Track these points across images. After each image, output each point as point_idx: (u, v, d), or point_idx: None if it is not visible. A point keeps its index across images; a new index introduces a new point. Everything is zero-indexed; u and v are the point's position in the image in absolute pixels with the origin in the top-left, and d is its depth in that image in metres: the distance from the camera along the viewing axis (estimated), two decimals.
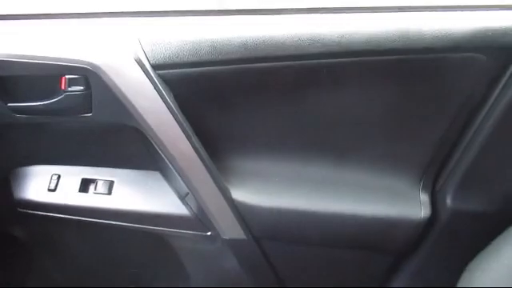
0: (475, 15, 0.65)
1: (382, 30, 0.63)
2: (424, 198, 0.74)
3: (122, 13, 0.68)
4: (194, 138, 0.67)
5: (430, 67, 0.65)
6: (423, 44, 0.63)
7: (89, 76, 0.62)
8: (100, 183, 0.74)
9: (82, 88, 0.63)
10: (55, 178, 0.74)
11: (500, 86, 0.65)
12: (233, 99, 0.68)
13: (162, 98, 0.62)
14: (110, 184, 0.74)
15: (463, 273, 0.67)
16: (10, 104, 0.65)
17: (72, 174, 0.75)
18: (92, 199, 0.74)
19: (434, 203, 0.75)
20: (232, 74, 0.64)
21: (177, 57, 0.62)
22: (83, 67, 0.61)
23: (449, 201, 0.74)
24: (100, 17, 0.67)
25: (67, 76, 0.62)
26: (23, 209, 0.73)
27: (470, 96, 0.66)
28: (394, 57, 0.64)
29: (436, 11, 0.66)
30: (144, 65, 0.61)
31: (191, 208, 0.73)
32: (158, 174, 0.76)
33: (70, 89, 0.63)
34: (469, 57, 0.63)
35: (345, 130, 0.71)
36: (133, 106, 0.62)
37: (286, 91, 0.68)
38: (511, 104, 0.64)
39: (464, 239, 0.74)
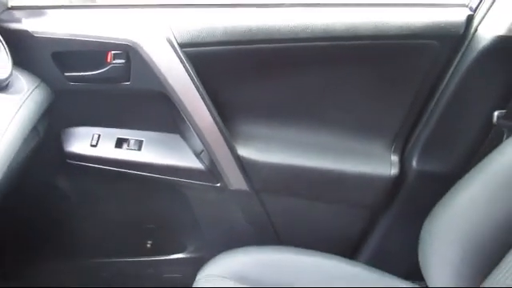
0: (431, 11, 0.83)
1: (358, 21, 0.81)
2: (394, 159, 0.91)
3: (158, 5, 0.86)
4: (210, 105, 0.84)
5: (396, 50, 0.83)
6: (390, 32, 0.80)
7: (129, 51, 0.80)
8: (132, 141, 0.92)
9: (123, 61, 0.81)
10: (96, 136, 0.92)
11: (452, 66, 0.82)
12: (240, 73, 0.86)
13: (185, 70, 0.80)
14: (140, 142, 0.92)
15: (424, 221, 0.83)
16: (66, 73, 0.83)
17: (109, 134, 0.92)
18: (125, 154, 0.91)
19: (403, 164, 0.92)
20: (239, 53, 0.82)
21: (198, 38, 0.80)
22: (126, 44, 0.79)
23: (414, 163, 0.91)
24: (141, 7, 0.86)
25: (112, 51, 0.81)
26: (70, 160, 0.91)
27: (429, 74, 0.84)
28: (368, 42, 0.81)
29: (401, 7, 0.84)
30: (173, 44, 0.79)
31: (204, 163, 0.91)
32: (178, 137, 0.94)
33: (114, 61, 0.81)
34: (426, 43, 0.81)
35: (329, 102, 0.89)
36: (163, 75, 0.80)
37: (282, 68, 0.85)
38: (462, 81, 0.82)
39: (427, 196, 0.90)
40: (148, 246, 1.11)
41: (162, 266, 1.08)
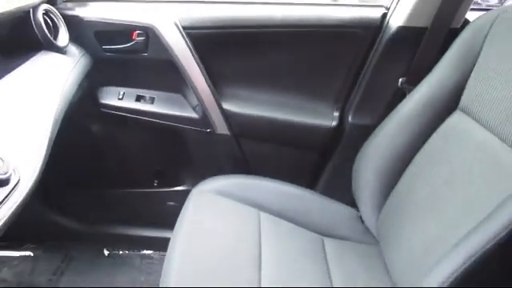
0: (359, 9, 1.19)
1: (308, 14, 1.16)
2: (335, 115, 1.27)
3: (168, 0, 1.23)
4: (204, 72, 1.20)
5: (333, 36, 1.19)
6: (330, 23, 1.16)
7: (148, 31, 1.15)
8: (147, 97, 1.28)
9: (143, 38, 1.17)
10: (122, 93, 1.28)
11: (373, 48, 1.18)
12: (226, 50, 1.21)
13: (187, 46, 1.16)
14: (153, 99, 1.28)
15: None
16: (103, 46, 1.19)
17: (131, 92, 1.29)
18: (142, 106, 1.28)
19: (341, 119, 1.27)
20: (225, 35, 1.18)
21: (196, 23, 1.16)
22: (146, 26, 1.15)
23: (350, 117, 1.26)
24: (156, 2, 1.22)
25: (136, 31, 1.16)
26: (103, 108, 1.27)
27: (357, 53, 1.19)
28: (314, 29, 1.17)
29: (338, 6, 1.19)
30: (178, 27, 1.15)
31: (199, 114, 1.27)
32: (180, 95, 1.30)
33: (137, 38, 1.17)
34: (355, 31, 1.17)
35: (288, 72, 1.25)
36: (171, 49, 1.16)
37: (256, 47, 1.21)
38: (379, 58, 1.17)
39: (360, 141, 1.23)
40: (155, 184, 1.47)
41: (165, 197, 1.43)
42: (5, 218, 0.61)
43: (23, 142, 0.72)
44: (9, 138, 0.70)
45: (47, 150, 0.77)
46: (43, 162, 0.74)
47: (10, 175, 0.64)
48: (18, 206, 0.64)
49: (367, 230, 1.14)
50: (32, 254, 1.41)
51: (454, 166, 0.89)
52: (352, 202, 1.16)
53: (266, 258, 0.97)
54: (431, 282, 0.73)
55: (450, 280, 0.70)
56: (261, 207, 1.12)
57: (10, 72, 0.88)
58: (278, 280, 0.93)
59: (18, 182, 0.65)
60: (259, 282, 0.91)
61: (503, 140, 0.80)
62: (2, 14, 0.87)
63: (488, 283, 0.72)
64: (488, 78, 0.88)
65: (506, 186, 0.75)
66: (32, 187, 0.68)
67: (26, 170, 0.68)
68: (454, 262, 0.70)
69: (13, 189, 0.64)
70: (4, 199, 0.62)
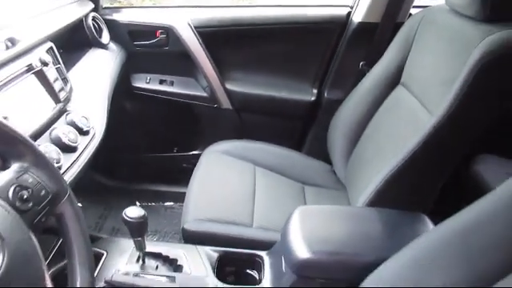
0: (329, 8, 1.53)
1: (291, 13, 1.52)
2: (314, 91, 1.62)
3: (183, 6, 1.59)
4: (211, 60, 1.56)
5: (309, 31, 1.54)
6: (308, 20, 1.51)
7: (168, 30, 1.52)
8: (168, 81, 1.66)
9: (165, 36, 1.53)
10: (149, 78, 1.65)
11: (341, 40, 1.53)
12: (228, 43, 1.57)
13: (198, 40, 1.52)
14: (172, 82, 1.65)
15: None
16: (134, 42, 1.56)
17: (155, 77, 1.66)
18: (164, 87, 1.65)
19: (319, 94, 1.62)
20: (228, 32, 1.54)
21: (204, 23, 1.52)
22: (166, 27, 1.51)
23: (325, 93, 1.61)
24: (174, 7, 1.58)
25: (159, 30, 1.52)
26: (135, 90, 1.65)
27: (328, 44, 1.54)
28: (294, 25, 1.52)
29: (311, 7, 1.54)
30: (191, 26, 1.51)
31: (207, 93, 1.64)
32: (193, 79, 1.66)
33: (160, 36, 1.53)
34: (326, 26, 1.52)
35: (276, 58, 1.60)
36: (186, 43, 1.52)
37: (252, 40, 1.57)
38: (345, 48, 1.51)
39: (334, 111, 1.58)
40: (175, 150, 1.85)
41: (182, 159, 1.81)
42: (88, 157, 0.99)
43: (94, 110, 1.10)
44: (87, 106, 1.08)
45: (107, 118, 1.14)
46: (105, 126, 1.11)
47: (90, 129, 1.02)
48: (95, 151, 1.02)
49: (338, 179, 1.49)
50: (81, 205, 1.80)
51: (392, 127, 1.25)
52: (327, 159, 1.53)
53: (258, 197, 1.34)
54: (360, 202, 1.09)
55: (369, 198, 1.06)
56: (256, 163, 1.48)
57: (75, 63, 1.26)
58: (266, 211, 1.29)
59: (94, 134, 1.03)
60: (253, 212, 1.28)
61: (423, 105, 1.14)
62: (69, 24, 1.24)
63: (397, 200, 1.07)
64: (417, 60, 1.23)
65: (418, 135, 1.08)
66: (100, 141, 1.06)
67: (97, 128, 1.06)
68: (374, 183, 1.06)
69: (91, 138, 1.02)
70: (87, 144, 1.00)
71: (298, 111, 1.65)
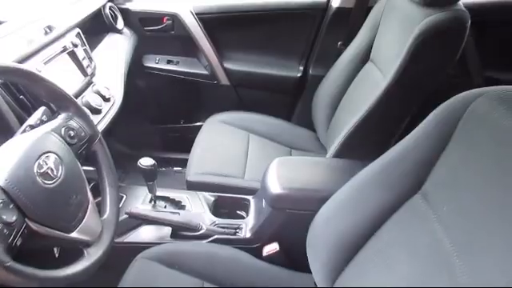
0: None
1: (278, 1, 1.75)
2: (301, 68, 1.87)
3: None
4: (211, 42, 1.81)
5: (293, 16, 1.77)
6: (294, 6, 1.75)
7: (173, 17, 1.77)
8: (174, 61, 1.92)
9: (171, 21, 1.78)
10: (157, 59, 1.91)
11: (322, 23, 1.76)
12: (225, 27, 1.82)
13: (198, 25, 1.77)
14: (178, 62, 1.91)
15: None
16: (145, 28, 1.82)
17: (164, 58, 1.92)
18: (171, 66, 1.92)
19: (305, 71, 1.87)
20: (225, 17, 1.79)
21: (204, 10, 1.77)
22: (172, 14, 1.77)
23: (310, 70, 1.85)
24: None
25: (166, 17, 1.78)
26: (146, 69, 1.91)
27: (311, 27, 1.78)
28: (284, 11, 1.76)
29: None
30: (193, 13, 1.76)
31: (208, 71, 1.89)
32: (196, 59, 1.92)
33: (166, 22, 1.79)
34: (308, 12, 1.76)
35: (267, 39, 1.85)
36: (189, 27, 1.78)
37: (245, 25, 1.81)
38: (326, 31, 1.75)
39: (317, 86, 1.82)
40: (181, 122, 2.11)
41: (188, 130, 2.06)
42: (108, 121, 1.26)
43: (114, 82, 1.37)
44: (108, 79, 1.35)
45: (124, 89, 1.41)
46: (122, 95, 1.38)
47: (111, 97, 1.29)
48: (114, 117, 1.29)
49: (321, 144, 1.74)
50: None
51: (360, 96, 1.49)
52: (312, 127, 1.78)
53: (250, 157, 1.60)
54: (328, 154, 1.35)
55: (335, 150, 1.31)
56: (250, 130, 1.74)
57: (97, 46, 1.52)
58: (256, 167, 1.55)
59: (114, 101, 1.30)
60: (245, 167, 1.54)
61: (384, 75, 1.38)
62: (91, 13, 1.50)
63: (356, 151, 1.31)
64: (381, 39, 1.46)
65: (375, 96, 1.31)
66: (118, 109, 1.33)
67: (117, 97, 1.33)
68: (338, 139, 1.31)
69: (112, 104, 1.29)
70: (109, 108, 1.27)
71: (287, 86, 1.90)
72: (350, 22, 1.70)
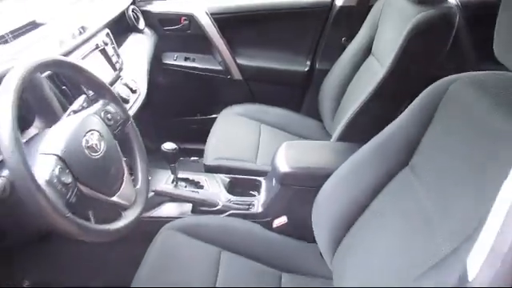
0: None
1: (287, 1, 1.90)
2: (308, 63, 2.01)
3: None
4: (224, 40, 1.97)
5: (305, 14, 1.92)
6: (301, 5, 1.89)
7: (190, 18, 1.93)
8: (191, 58, 2.08)
9: (188, 22, 1.95)
10: (176, 56, 2.08)
11: (328, 20, 1.90)
12: (238, 26, 1.98)
13: (213, 24, 1.93)
14: (194, 59, 2.08)
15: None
16: (164, 28, 1.98)
17: (181, 55, 2.09)
18: (188, 63, 2.08)
19: (312, 65, 2.01)
20: (237, 17, 1.94)
21: (218, 11, 1.93)
22: (189, 14, 1.93)
23: (317, 64, 1.99)
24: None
25: (183, 17, 1.94)
26: (164, 66, 2.07)
27: (318, 23, 1.92)
28: (292, 10, 1.91)
29: None
30: (208, 13, 1.92)
31: (222, 67, 2.05)
32: (211, 56, 2.08)
33: (183, 22, 1.95)
34: (315, 10, 1.89)
35: (277, 37, 2.00)
36: (204, 27, 1.94)
37: (254, 23, 1.96)
38: (331, 27, 1.89)
39: (323, 79, 1.96)
40: (198, 115, 2.27)
41: (203, 122, 2.20)
42: (135, 110, 1.42)
43: (138, 77, 1.53)
44: (134, 73, 1.51)
45: (147, 83, 1.57)
46: (146, 88, 1.54)
47: (137, 89, 1.45)
48: (139, 106, 1.45)
49: (327, 133, 1.88)
50: None
51: (362, 86, 1.62)
52: (320, 118, 1.91)
53: (261, 144, 1.74)
54: (332, 139, 1.49)
55: (338, 135, 1.45)
56: (261, 121, 1.89)
57: (122, 44, 1.69)
58: (267, 152, 1.69)
59: (139, 94, 1.46)
60: (256, 154, 1.68)
61: (382, 66, 1.51)
62: (117, 15, 1.67)
63: (357, 135, 1.45)
64: (381, 35, 1.60)
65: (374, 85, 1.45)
66: (143, 100, 1.49)
67: (142, 89, 1.49)
68: (341, 125, 1.45)
69: (138, 95, 1.45)
70: (136, 99, 1.43)
71: (295, 79, 2.05)
72: (352, 19, 1.83)
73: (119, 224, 0.91)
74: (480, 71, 0.89)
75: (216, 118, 1.94)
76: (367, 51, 1.68)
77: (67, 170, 0.83)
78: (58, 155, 0.83)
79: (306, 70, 2.02)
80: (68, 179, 0.82)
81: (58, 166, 0.81)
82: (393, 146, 0.98)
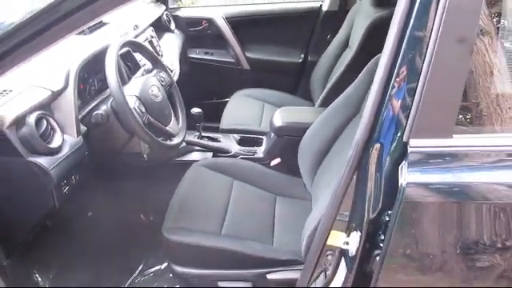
0: (310, 2, 2.46)
1: (284, 7, 2.46)
2: (302, 56, 2.56)
3: (219, 5, 2.56)
4: (236, 37, 2.53)
5: (298, 17, 2.47)
6: (295, 10, 2.45)
7: (210, 21, 2.50)
8: (210, 52, 2.64)
9: (207, 24, 2.52)
10: (198, 51, 2.64)
11: (317, 21, 2.44)
12: (247, 27, 2.55)
13: (228, 26, 2.50)
14: (212, 53, 2.64)
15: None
16: (189, 29, 2.56)
17: (202, 50, 2.64)
18: (207, 56, 2.64)
19: (305, 57, 2.55)
20: (246, 20, 2.52)
21: (232, 15, 2.50)
22: (209, 18, 2.50)
23: (309, 57, 2.53)
24: (213, 7, 2.56)
25: (204, 21, 2.50)
26: (189, 59, 2.63)
27: (309, 24, 2.47)
28: (288, 14, 2.47)
29: (301, 2, 2.47)
30: (224, 18, 2.49)
31: (234, 59, 2.60)
32: (225, 51, 2.63)
33: (204, 24, 2.52)
34: (306, 14, 2.45)
35: (277, 35, 2.55)
36: (220, 28, 2.51)
37: (262, 24, 2.53)
38: (321, 28, 2.43)
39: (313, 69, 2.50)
40: (214, 99, 2.80)
41: (218, 105, 2.72)
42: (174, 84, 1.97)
43: (173, 63, 2.08)
44: (170, 60, 2.07)
45: (179, 70, 2.12)
46: (178, 73, 2.09)
47: (174, 70, 2.00)
48: (176, 83, 2.00)
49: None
50: None
51: (340, 70, 2.16)
52: (311, 99, 2.44)
53: (264, 119, 2.27)
54: (316, 105, 2.02)
55: (320, 100, 1.98)
56: (265, 101, 2.42)
57: (160, 40, 2.24)
58: (268, 123, 2.23)
59: (174, 73, 2.02)
60: (260, 122, 2.22)
61: (351, 51, 2.04)
62: (157, 18, 2.23)
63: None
64: (354, 32, 2.13)
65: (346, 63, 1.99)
66: (176, 80, 2.04)
67: (176, 72, 2.05)
68: (324, 91, 1.98)
69: (174, 75, 2.00)
70: (173, 77, 1.98)
71: (292, 69, 2.60)
72: (335, 20, 2.38)
73: (171, 143, 1.46)
74: None
75: (227, 101, 2.48)
76: (345, 45, 2.22)
77: (142, 104, 1.37)
78: (137, 96, 1.38)
79: (300, 61, 2.57)
80: (142, 109, 1.37)
81: (138, 102, 1.36)
82: (348, 102, 1.51)
